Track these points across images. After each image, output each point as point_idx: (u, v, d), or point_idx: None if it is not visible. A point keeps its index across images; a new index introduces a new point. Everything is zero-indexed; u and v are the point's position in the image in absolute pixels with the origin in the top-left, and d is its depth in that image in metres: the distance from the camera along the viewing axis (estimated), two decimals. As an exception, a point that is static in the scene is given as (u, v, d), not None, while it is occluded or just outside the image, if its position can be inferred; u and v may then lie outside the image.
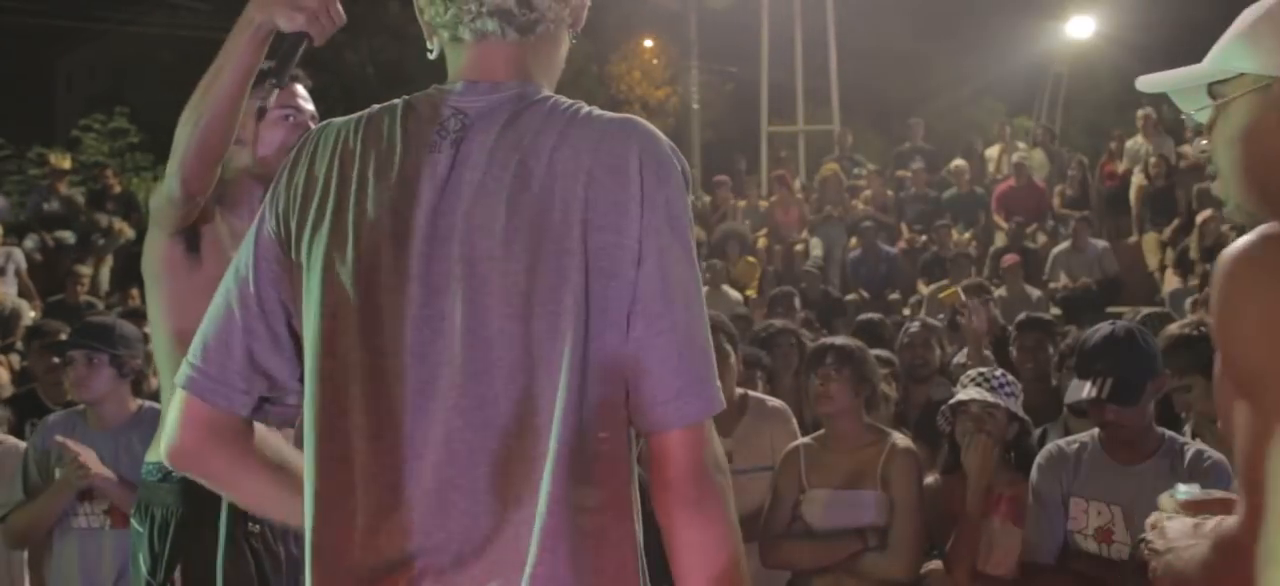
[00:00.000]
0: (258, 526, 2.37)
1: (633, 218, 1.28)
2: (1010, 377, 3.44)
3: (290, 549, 2.39)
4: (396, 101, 1.42)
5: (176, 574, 2.35)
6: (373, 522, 1.30)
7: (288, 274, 1.39)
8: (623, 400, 1.29)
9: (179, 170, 2.17)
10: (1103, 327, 3.10)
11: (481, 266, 1.28)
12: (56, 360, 4.15)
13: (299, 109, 2.46)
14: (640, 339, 1.27)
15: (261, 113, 2.18)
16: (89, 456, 3.32)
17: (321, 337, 1.34)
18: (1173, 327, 3.36)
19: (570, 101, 1.37)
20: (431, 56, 1.46)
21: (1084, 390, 2.94)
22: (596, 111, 1.35)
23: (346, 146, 1.38)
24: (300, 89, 2.48)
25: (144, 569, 2.39)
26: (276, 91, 2.00)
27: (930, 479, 3.49)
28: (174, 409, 1.43)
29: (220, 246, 2.33)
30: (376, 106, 1.42)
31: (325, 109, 1.96)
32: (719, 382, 1.32)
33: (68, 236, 10.60)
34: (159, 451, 1.89)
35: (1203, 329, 3.25)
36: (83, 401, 3.51)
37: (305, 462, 1.35)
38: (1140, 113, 12.71)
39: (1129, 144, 12.42)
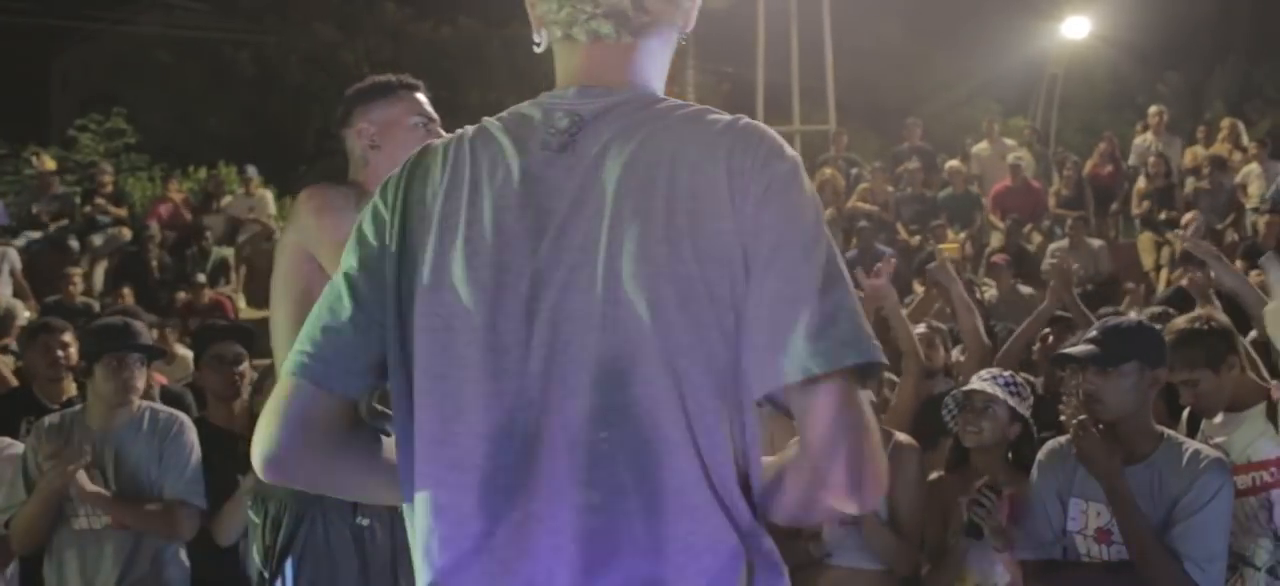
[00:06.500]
0: (366, 519, 2.47)
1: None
2: (1021, 380, 3.39)
3: (397, 538, 2.37)
4: (505, 112, 1.39)
5: (288, 566, 2.46)
6: (494, 528, 1.26)
7: (380, 289, 1.35)
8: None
9: None
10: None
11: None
12: (55, 354, 4.32)
13: (430, 117, 2.48)
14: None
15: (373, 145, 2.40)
16: (79, 474, 3.37)
17: (434, 347, 1.30)
18: (1180, 321, 3.28)
19: (685, 103, 1.35)
20: (538, 50, 1.42)
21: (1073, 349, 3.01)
22: (712, 113, 1.32)
23: (457, 160, 1.35)
24: (422, 96, 2.51)
25: (258, 560, 2.53)
26: None
27: (933, 475, 3.49)
28: (278, 397, 1.34)
29: None
30: (484, 119, 1.39)
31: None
32: None
33: (68, 237, 10.52)
34: None
35: (1212, 324, 3.21)
36: (120, 403, 3.54)
37: (410, 470, 1.32)
38: (1152, 109, 12.78)
39: (1137, 141, 12.44)
